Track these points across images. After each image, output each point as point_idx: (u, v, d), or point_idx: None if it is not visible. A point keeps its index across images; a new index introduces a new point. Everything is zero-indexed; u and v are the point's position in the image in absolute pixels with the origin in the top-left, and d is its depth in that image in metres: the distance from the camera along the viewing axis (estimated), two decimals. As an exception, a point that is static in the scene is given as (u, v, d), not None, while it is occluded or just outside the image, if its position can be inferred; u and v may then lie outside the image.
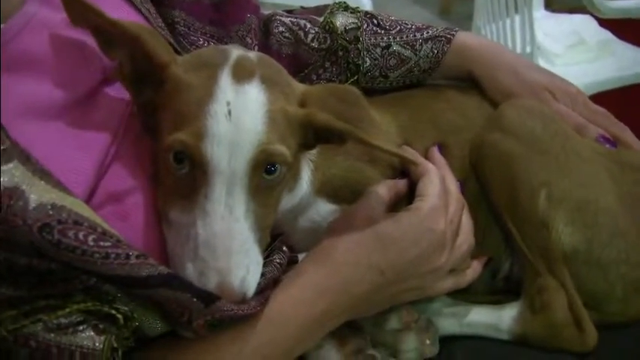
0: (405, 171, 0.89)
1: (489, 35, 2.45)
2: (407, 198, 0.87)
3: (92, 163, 0.68)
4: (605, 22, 2.34)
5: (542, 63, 2.21)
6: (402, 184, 0.88)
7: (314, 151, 0.84)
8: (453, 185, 0.88)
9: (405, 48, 1.05)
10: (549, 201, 0.89)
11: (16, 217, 0.58)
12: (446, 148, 0.95)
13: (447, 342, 0.91)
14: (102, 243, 0.61)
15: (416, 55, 1.05)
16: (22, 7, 0.70)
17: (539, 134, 0.93)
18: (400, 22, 1.08)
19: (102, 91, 0.75)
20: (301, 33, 1.06)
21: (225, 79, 0.70)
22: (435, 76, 1.07)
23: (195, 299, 0.65)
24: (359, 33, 1.06)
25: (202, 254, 0.67)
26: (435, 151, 0.93)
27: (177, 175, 0.70)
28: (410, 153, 0.89)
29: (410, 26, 1.07)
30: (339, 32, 1.05)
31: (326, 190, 0.87)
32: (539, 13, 2.43)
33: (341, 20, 1.07)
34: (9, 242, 0.59)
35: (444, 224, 0.82)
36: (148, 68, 0.73)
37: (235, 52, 0.76)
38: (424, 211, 0.81)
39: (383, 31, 1.06)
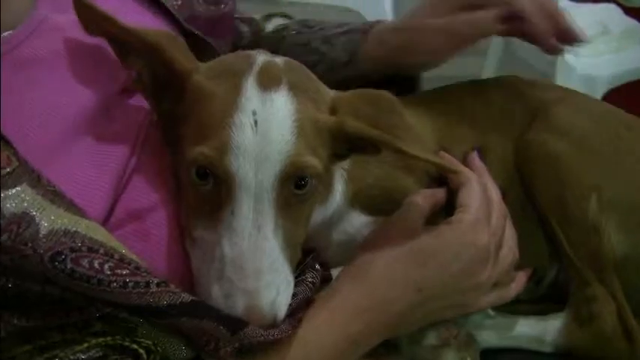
0: (442, 179, 0.83)
1: None
2: (445, 208, 0.81)
3: (110, 178, 0.64)
4: (630, 11, 2.28)
5: (566, 54, 2.15)
6: (440, 193, 0.82)
7: (347, 160, 0.78)
8: (495, 193, 0.82)
9: (323, 43, 0.99)
10: (600, 205, 0.84)
11: (26, 246, 0.53)
12: (486, 150, 0.89)
13: (488, 355, 0.86)
14: (119, 271, 0.57)
15: (332, 47, 0.98)
16: (32, 10, 0.66)
17: (589, 133, 0.88)
18: (327, 23, 1.04)
19: (120, 101, 0.70)
20: (238, 39, 1.04)
21: (250, 87, 0.65)
22: (366, 70, 0.97)
23: (221, 327, 0.60)
24: (285, 32, 1.03)
25: (229, 275, 0.62)
26: (475, 157, 0.87)
27: (200, 191, 0.65)
28: (448, 160, 0.83)
29: (333, 24, 1.03)
30: (264, 33, 1.03)
31: (360, 200, 0.81)
32: (563, 3, 2.34)
33: (273, 22, 1.05)
34: (19, 270, 0.54)
35: (487, 237, 0.76)
36: (168, 77, 0.68)
37: (261, 57, 0.70)
38: (466, 223, 0.75)
39: (306, 29, 1.03)
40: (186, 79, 0.67)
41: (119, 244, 0.60)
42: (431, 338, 0.82)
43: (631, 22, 2.29)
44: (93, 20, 0.66)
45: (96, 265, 0.56)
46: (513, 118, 0.92)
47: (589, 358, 0.85)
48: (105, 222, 0.62)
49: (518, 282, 0.84)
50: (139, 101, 0.71)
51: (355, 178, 0.81)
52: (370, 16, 2.17)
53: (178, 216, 0.68)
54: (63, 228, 0.55)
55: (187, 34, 0.85)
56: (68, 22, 0.68)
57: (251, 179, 0.62)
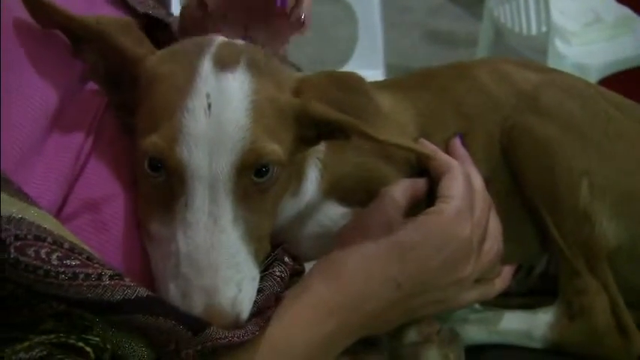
0: (424, 168, 0.80)
1: (502, 16, 2.37)
2: (427, 199, 0.77)
3: (64, 163, 0.60)
4: None
5: (558, 43, 2.16)
6: (421, 183, 0.78)
7: (322, 148, 0.75)
8: (479, 183, 0.78)
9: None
10: (591, 192, 0.81)
11: None
12: (470, 136, 0.85)
13: (474, 352, 0.83)
14: (68, 262, 0.53)
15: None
16: None
17: (578, 116, 0.84)
18: None
19: (76, 89, 0.67)
20: None
21: (205, 68, 0.61)
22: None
23: (181, 327, 0.56)
24: None
25: (185, 271, 0.58)
26: (457, 143, 0.83)
27: (154, 183, 0.61)
28: (427, 147, 0.79)
29: None
30: None
31: (336, 191, 0.78)
32: (556, -9, 2.35)
33: None
34: None
35: (470, 229, 0.72)
36: (121, 65, 0.65)
37: (219, 38, 0.67)
38: (447, 214, 0.71)
39: None
40: (138, 66, 0.64)
41: (70, 234, 0.56)
42: (412, 335, 0.79)
43: (624, 10, 2.29)
44: (41, 11, 0.63)
45: (42, 254, 0.52)
46: (499, 101, 0.88)
47: (581, 353, 0.82)
48: (58, 213, 0.59)
49: (504, 277, 0.81)
50: (94, 87, 0.68)
51: (331, 167, 0.77)
52: (358, 7, 2.16)
53: (135, 209, 0.64)
54: (7, 215, 0.51)
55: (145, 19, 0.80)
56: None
57: (205, 169, 0.59)
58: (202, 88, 0.60)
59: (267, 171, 0.61)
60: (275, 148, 0.61)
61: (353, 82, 0.68)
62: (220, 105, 0.59)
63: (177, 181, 0.59)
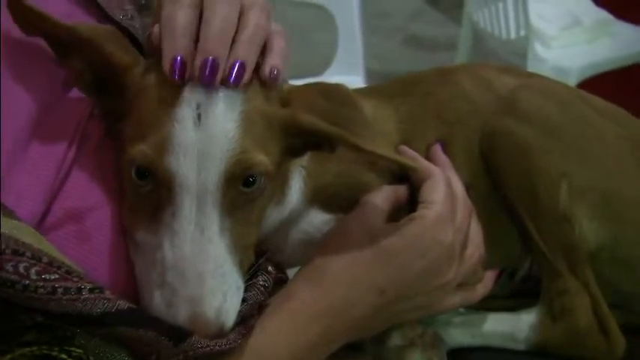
0: (406, 174, 0.80)
1: (481, 20, 2.38)
2: (409, 205, 0.77)
3: (46, 172, 0.60)
4: (600, 2, 2.28)
5: (537, 46, 2.18)
6: (402, 189, 0.78)
7: (305, 157, 0.74)
8: (460, 188, 0.78)
9: None
10: (571, 194, 0.81)
11: None
12: (451, 142, 0.85)
13: (457, 354, 0.84)
14: (47, 276, 0.53)
15: None
16: None
17: (556, 119, 0.84)
18: None
19: (59, 94, 0.66)
20: None
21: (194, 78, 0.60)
22: None
23: (163, 337, 0.56)
24: None
25: (170, 281, 0.58)
26: (438, 150, 0.83)
27: (141, 192, 0.61)
28: (409, 155, 0.80)
29: None
30: None
31: (319, 198, 0.77)
32: (535, -6, 2.36)
33: None
34: None
35: (452, 234, 0.72)
36: (108, 73, 0.64)
37: None
38: (429, 220, 0.71)
39: None
40: (125, 74, 0.63)
41: (51, 247, 0.56)
42: (395, 338, 0.79)
43: (601, 13, 2.30)
44: (26, 18, 0.61)
45: (21, 269, 0.51)
46: (480, 106, 0.88)
47: (564, 354, 0.81)
48: (40, 223, 0.58)
49: (486, 282, 0.81)
50: (78, 94, 0.67)
51: (314, 175, 0.77)
52: (338, 12, 2.16)
53: (121, 217, 0.64)
54: None
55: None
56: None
57: (193, 179, 0.58)
58: (192, 97, 0.59)
59: (255, 181, 0.61)
60: (263, 159, 0.60)
61: (340, 93, 0.68)
62: (210, 116, 0.59)
63: (164, 191, 0.59)
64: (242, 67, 0.60)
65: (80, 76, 0.65)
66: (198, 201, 0.58)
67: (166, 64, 0.59)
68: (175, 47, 0.59)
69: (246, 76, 0.61)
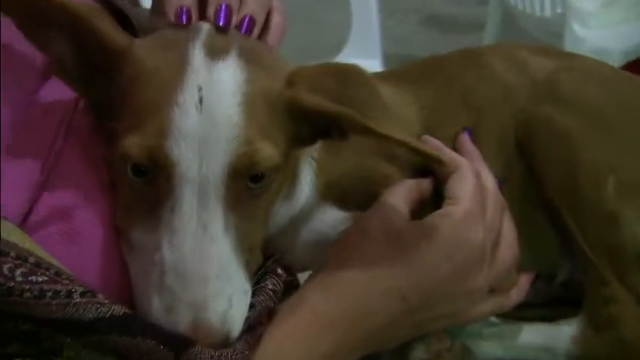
0: (429, 167, 0.80)
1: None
2: (433, 201, 0.78)
3: (31, 167, 0.61)
4: None
5: (575, 25, 2.16)
6: (425, 184, 0.79)
7: (316, 146, 0.75)
8: (490, 182, 0.79)
9: None
10: (619, 190, 0.81)
11: None
12: (481, 130, 0.86)
13: None
14: (34, 278, 0.53)
15: None
16: None
17: (603, 104, 0.85)
18: None
19: (39, 87, 0.67)
20: None
21: (196, 58, 0.61)
22: None
23: (162, 346, 0.56)
24: None
25: (170, 284, 0.58)
26: (466, 140, 0.84)
27: (136, 185, 0.61)
28: (433, 146, 0.80)
29: None
30: None
31: (333, 193, 0.78)
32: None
33: None
34: None
35: (482, 233, 0.73)
36: (99, 56, 0.64)
37: (205, 25, 0.67)
38: (457, 217, 0.72)
39: None
40: (121, 57, 0.63)
41: (37, 246, 0.56)
42: (419, 351, 0.80)
43: None
44: None
45: (5, 270, 0.52)
46: (513, 90, 0.89)
47: (607, 370, 0.82)
48: (24, 221, 0.59)
49: (520, 287, 0.82)
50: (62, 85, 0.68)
51: (327, 167, 0.78)
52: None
53: (113, 217, 0.64)
54: None
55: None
56: None
57: (194, 170, 0.59)
58: (194, 79, 0.60)
59: (262, 176, 0.62)
60: (271, 152, 0.61)
61: (354, 74, 0.68)
62: (213, 99, 0.60)
63: (163, 183, 0.60)
64: (252, 20, 0.68)
65: (62, 63, 0.65)
66: (200, 195, 0.59)
67: (171, 13, 0.67)
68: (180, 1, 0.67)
69: (256, 31, 0.68)
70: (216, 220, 0.60)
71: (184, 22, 0.67)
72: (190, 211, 0.59)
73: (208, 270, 0.59)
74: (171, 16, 0.67)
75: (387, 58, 2.15)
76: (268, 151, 0.61)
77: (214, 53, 0.62)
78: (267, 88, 0.63)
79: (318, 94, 0.64)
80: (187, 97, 0.59)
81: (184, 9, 0.67)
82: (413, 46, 3.29)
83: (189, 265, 0.58)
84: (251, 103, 0.61)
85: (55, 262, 0.56)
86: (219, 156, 0.59)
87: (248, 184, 0.62)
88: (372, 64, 1.97)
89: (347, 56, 2.08)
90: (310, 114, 0.65)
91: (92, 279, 0.60)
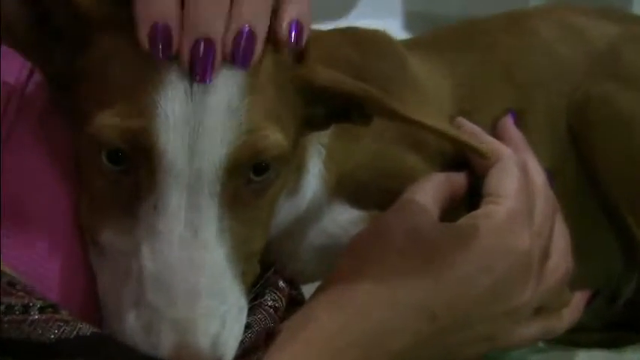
0: (464, 158, 0.81)
1: None
2: (469, 200, 0.79)
3: None
4: None
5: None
6: (459, 178, 0.80)
7: (326, 133, 0.76)
8: (539, 176, 0.79)
9: None
10: None
11: None
12: (527, 112, 0.87)
13: None
14: None
15: None
16: None
17: None
18: None
19: None
20: None
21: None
22: None
23: None
24: None
25: (150, 298, 0.58)
26: (509, 124, 0.84)
27: (110, 177, 0.61)
28: (469, 131, 0.81)
29: None
30: None
31: (346, 188, 0.79)
32: None
33: None
34: None
35: (529, 239, 0.74)
36: (70, 24, 0.64)
37: None
38: (498, 219, 0.73)
39: None
40: (98, 27, 0.63)
41: None
42: None
43: None
44: None
45: None
46: (567, 64, 0.90)
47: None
48: None
49: (575, 307, 0.83)
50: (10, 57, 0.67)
51: (339, 156, 0.78)
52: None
53: (78, 215, 0.65)
54: None
55: None
56: None
57: (184, 162, 0.58)
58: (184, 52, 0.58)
59: (267, 167, 0.62)
60: (279, 139, 0.61)
61: (377, 43, 0.69)
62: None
63: (144, 175, 0.59)
64: (251, 36, 0.59)
65: (11, 24, 0.64)
66: (190, 192, 0.59)
67: (142, 33, 0.58)
68: (154, 10, 0.58)
69: (259, 46, 0.59)
70: (209, 223, 0.60)
71: (160, 51, 0.58)
72: (178, 211, 0.59)
73: (198, 283, 0.58)
74: (144, 35, 0.57)
75: (409, 18, 2.15)
76: (275, 137, 0.61)
77: None
78: (273, 61, 0.63)
79: (334, 69, 0.64)
80: (176, 72, 0.59)
81: (159, 26, 0.57)
82: (444, 4, 3.28)
83: (176, 277, 0.58)
84: (254, 79, 0.61)
85: (8, 270, 0.57)
86: (215, 145, 0.59)
87: (250, 176, 0.61)
88: (391, 25, 1.97)
89: (361, 14, 2.07)
90: (325, 93, 0.65)
91: (51, 291, 0.60)
